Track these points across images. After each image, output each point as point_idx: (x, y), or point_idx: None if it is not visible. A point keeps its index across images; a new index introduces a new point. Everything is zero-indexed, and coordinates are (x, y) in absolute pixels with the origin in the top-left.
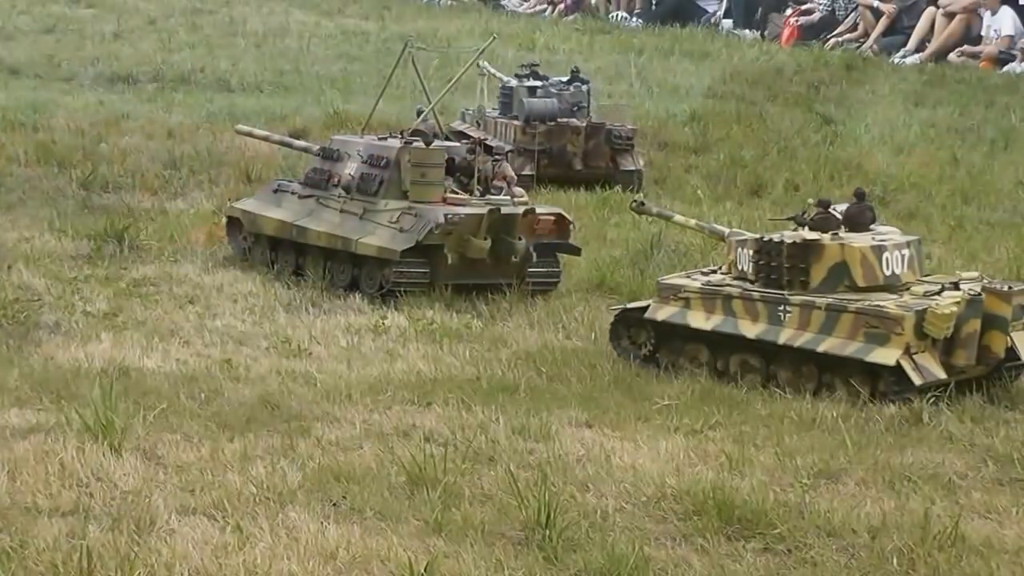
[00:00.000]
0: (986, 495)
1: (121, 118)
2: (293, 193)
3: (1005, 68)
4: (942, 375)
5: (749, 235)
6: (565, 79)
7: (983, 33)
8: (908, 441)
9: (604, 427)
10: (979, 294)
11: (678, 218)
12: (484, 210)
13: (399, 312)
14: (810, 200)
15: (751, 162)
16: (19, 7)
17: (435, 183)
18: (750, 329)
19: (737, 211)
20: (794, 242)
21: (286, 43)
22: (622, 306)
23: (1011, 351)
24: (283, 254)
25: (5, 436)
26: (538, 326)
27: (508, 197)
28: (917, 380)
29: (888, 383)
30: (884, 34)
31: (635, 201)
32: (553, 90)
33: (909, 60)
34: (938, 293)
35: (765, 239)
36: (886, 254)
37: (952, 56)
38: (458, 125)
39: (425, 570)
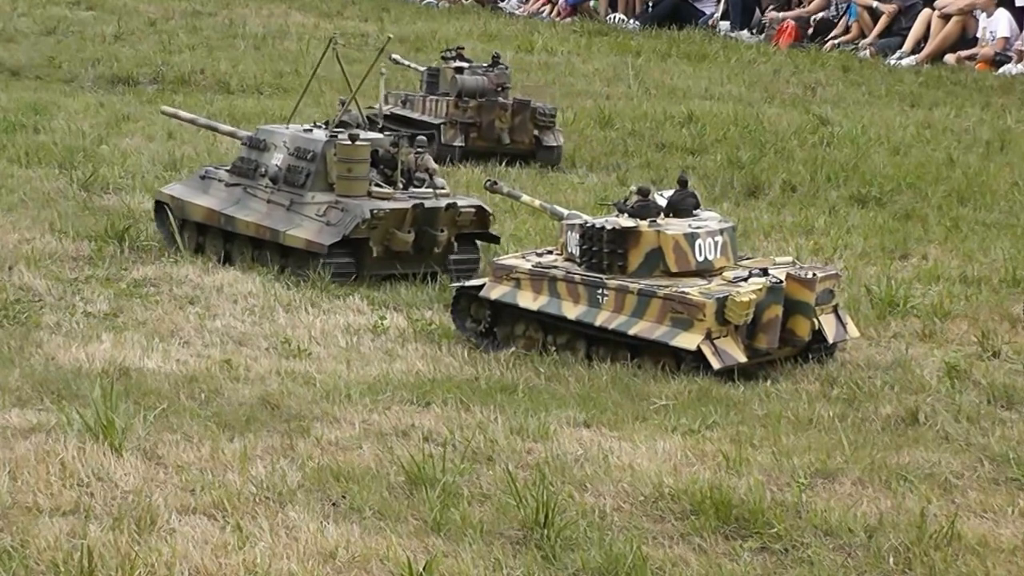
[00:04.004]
0: (982, 494)
1: (121, 119)
2: (220, 180)
3: (1001, 70)
4: (742, 359)
5: (578, 219)
6: (487, 64)
7: (979, 35)
8: (904, 441)
9: (602, 427)
10: (780, 281)
11: (525, 198)
12: (409, 205)
13: (398, 313)
14: (631, 187)
15: (748, 163)
16: (20, 9)
17: (360, 177)
18: (571, 311)
19: (734, 212)
20: (613, 228)
21: (285, 45)
22: (461, 284)
23: (819, 333)
24: (211, 241)
25: (6, 436)
26: None
27: (431, 189)
28: (716, 364)
29: (690, 366)
30: (880, 36)
31: (488, 180)
32: (479, 71)
33: (905, 62)
34: (745, 280)
35: (588, 224)
36: (699, 241)
37: (948, 58)
38: (384, 108)
39: (424, 569)
